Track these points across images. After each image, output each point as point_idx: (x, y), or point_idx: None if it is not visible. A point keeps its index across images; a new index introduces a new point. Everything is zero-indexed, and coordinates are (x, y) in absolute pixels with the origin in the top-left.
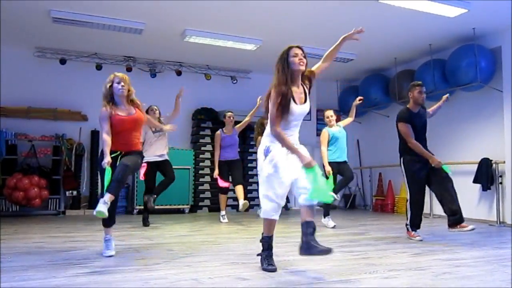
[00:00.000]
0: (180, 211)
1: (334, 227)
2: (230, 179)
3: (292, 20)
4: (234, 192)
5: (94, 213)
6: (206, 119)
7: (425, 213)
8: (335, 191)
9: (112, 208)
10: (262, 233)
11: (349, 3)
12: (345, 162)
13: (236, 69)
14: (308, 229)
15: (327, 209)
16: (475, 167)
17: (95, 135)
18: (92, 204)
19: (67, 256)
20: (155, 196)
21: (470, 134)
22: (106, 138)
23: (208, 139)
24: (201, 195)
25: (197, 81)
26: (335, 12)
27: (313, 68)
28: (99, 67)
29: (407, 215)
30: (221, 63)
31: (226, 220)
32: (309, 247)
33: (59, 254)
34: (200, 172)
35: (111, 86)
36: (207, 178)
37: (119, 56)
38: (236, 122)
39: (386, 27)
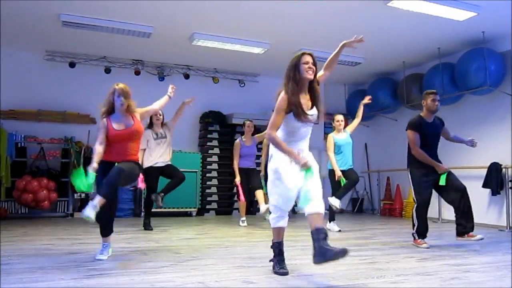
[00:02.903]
0: (187, 214)
1: (339, 231)
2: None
3: (300, 24)
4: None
5: (81, 216)
6: (214, 123)
7: (434, 218)
8: (339, 195)
9: (109, 216)
10: (272, 240)
11: (358, 6)
12: (350, 168)
13: (243, 72)
14: (320, 235)
15: (332, 213)
16: (484, 172)
17: None
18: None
19: (74, 258)
20: (163, 194)
21: (479, 138)
22: (98, 148)
23: (215, 142)
24: (208, 198)
25: (205, 84)
26: (343, 15)
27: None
28: (108, 71)
29: (413, 223)
30: (229, 66)
31: (245, 224)
32: (324, 251)
33: (67, 256)
34: (208, 175)
35: (112, 98)
36: (215, 181)
37: (128, 59)
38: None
39: (395, 30)
